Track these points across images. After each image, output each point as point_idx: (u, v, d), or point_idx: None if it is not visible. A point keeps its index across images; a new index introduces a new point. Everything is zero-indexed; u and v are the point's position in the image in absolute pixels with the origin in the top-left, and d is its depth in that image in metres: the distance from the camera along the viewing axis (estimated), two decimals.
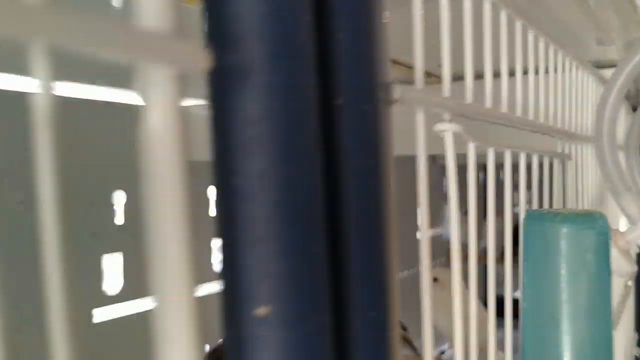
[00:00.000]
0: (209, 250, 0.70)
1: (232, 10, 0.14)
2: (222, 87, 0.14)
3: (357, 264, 0.17)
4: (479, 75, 0.28)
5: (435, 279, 0.84)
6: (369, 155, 0.17)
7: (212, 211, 0.62)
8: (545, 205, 0.43)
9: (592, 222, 0.26)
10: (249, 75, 0.14)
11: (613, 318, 0.27)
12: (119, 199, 0.59)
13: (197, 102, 0.61)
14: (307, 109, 0.15)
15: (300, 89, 0.15)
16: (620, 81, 0.36)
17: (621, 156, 0.41)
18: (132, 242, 0.59)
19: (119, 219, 0.58)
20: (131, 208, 0.59)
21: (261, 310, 0.14)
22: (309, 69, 0.15)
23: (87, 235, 0.56)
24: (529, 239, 0.27)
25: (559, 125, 0.45)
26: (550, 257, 0.26)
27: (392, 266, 0.18)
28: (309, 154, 0.15)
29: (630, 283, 0.79)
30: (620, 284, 0.69)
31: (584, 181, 0.53)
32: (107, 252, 0.57)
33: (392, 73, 0.19)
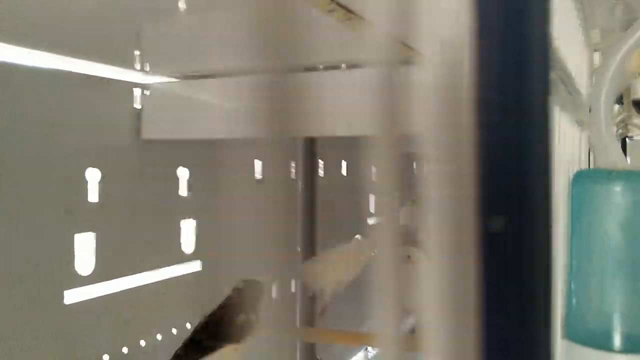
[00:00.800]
0: (177, 230, 0.69)
1: None
2: None
3: None
4: None
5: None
6: None
7: (182, 191, 0.61)
8: None
9: None
10: None
11: None
12: (93, 176, 0.58)
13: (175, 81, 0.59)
14: None
15: None
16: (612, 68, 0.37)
17: None
18: (107, 220, 0.58)
19: (93, 197, 0.58)
20: (105, 186, 0.58)
21: None
22: None
23: (61, 213, 0.55)
24: (578, 198, 0.25)
25: None
26: (604, 215, 0.24)
27: None
28: None
29: None
30: None
31: None
32: (80, 231, 0.56)
33: None
